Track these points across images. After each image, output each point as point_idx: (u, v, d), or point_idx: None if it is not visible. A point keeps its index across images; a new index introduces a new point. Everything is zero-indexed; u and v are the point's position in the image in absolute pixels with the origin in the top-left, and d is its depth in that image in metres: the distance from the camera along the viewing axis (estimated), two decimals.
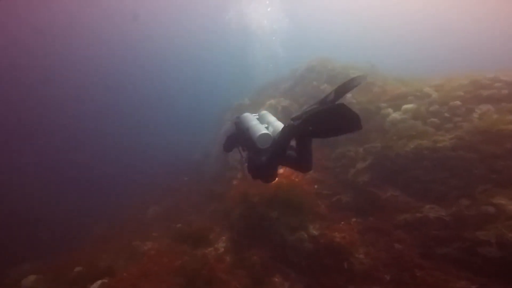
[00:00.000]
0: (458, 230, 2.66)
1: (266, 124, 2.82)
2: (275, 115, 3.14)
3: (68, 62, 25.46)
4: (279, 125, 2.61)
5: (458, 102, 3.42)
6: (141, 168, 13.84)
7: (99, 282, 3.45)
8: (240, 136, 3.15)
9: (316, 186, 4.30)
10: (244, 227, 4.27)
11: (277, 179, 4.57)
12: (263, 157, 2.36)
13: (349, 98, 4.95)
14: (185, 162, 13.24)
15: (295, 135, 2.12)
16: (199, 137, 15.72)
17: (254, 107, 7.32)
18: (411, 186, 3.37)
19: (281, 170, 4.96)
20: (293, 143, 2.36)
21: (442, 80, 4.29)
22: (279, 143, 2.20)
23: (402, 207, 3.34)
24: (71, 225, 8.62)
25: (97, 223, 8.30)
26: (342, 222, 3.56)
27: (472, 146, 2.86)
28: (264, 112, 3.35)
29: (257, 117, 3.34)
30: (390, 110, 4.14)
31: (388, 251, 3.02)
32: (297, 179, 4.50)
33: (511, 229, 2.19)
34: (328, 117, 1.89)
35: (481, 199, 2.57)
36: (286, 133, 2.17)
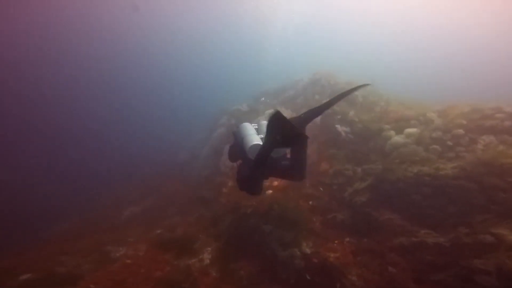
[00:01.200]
0: (454, 257, 2.69)
1: (263, 134, 2.81)
2: None
3: (57, 57, 24.95)
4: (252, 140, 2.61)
5: (461, 131, 3.55)
6: (123, 164, 13.44)
7: None
8: (237, 146, 3.12)
9: (311, 202, 4.28)
10: (232, 238, 4.16)
11: (270, 191, 4.58)
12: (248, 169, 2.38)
13: (351, 116, 5.06)
14: (170, 162, 13.02)
15: (270, 146, 2.13)
16: (187, 137, 15.65)
17: (252, 115, 7.34)
18: (409, 210, 3.41)
19: (275, 183, 4.93)
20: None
21: (444, 105, 4.45)
22: (259, 155, 2.20)
23: (397, 230, 3.36)
24: (34, 217, 8.07)
25: (65, 218, 7.82)
26: (336, 241, 3.54)
27: (473, 177, 2.95)
28: (263, 122, 3.35)
29: (256, 127, 3.34)
30: (392, 132, 4.24)
31: (381, 274, 3.00)
32: (292, 193, 4.47)
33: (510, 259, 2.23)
34: (277, 127, 1.95)
35: (480, 228, 2.63)
36: (264, 145, 2.19)
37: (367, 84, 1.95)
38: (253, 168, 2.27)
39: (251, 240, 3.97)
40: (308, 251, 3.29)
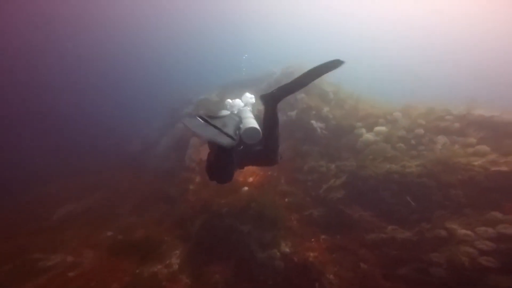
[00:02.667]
0: (416, 251, 3.07)
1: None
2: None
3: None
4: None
5: (421, 130, 4.04)
6: (62, 155, 11.68)
7: None
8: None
9: (287, 199, 4.37)
10: (204, 240, 4.00)
11: (246, 188, 4.51)
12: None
13: (325, 112, 5.26)
14: (120, 152, 11.85)
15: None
16: (141, 125, 14.48)
17: (222, 104, 7.03)
18: (378, 206, 3.76)
19: (251, 179, 4.89)
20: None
21: (406, 106, 4.97)
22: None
23: (367, 227, 3.68)
24: None
25: None
26: (313, 239, 3.71)
27: (432, 175, 3.39)
28: (244, 108, 3.24)
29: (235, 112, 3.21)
30: (363, 130, 4.56)
31: (354, 271, 3.27)
32: (268, 190, 4.49)
33: (461, 253, 2.64)
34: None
35: (437, 223, 3.06)
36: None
37: (340, 62, 1.91)
38: (220, 154, 2.16)
39: (225, 241, 3.88)
40: (287, 251, 3.36)
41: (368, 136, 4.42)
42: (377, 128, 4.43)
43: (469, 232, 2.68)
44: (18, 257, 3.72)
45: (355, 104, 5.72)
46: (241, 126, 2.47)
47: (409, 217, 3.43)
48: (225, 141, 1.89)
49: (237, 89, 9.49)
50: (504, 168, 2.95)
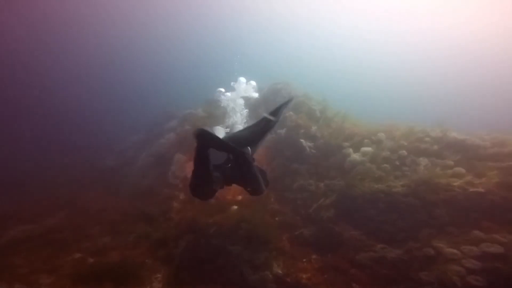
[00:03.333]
0: (405, 270, 3.17)
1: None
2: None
3: None
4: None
5: (404, 152, 4.35)
6: (20, 166, 10.61)
7: None
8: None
9: (277, 218, 4.35)
10: (189, 262, 3.78)
11: (235, 207, 4.42)
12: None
13: (313, 131, 5.47)
14: (93, 168, 11.12)
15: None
16: (114, 140, 13.84)
17: (211, 120, 7.03)
18: (366, 224, 3.88)
19: (240, 197, 4.82)
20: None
21: (387, 126, 5.34)
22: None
23: (357, 245, 3.75)
24: None
25: None
26: (304, 260, 3.68)
27: (417, 194, 3.61)
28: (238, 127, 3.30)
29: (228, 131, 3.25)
30: (350, 150, 4.79)
31: None
32: (258, 209, 4.44)
33: (450, 271, 2.77)
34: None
35: (424, 242, 3.21)
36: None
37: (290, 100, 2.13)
38: (195, 168, 2.16)
39: (212, 263, 3.70)
40: (280, 272, 3.29)
41: (355, 156, 4.64)
42: (364, 149, 4.68)
43: (455, 251, 2.84)
44: None
45: (341, 123, 6.02)
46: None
47: (396, 236, 3.57)
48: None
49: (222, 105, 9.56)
50: (480, 189, 3.24)
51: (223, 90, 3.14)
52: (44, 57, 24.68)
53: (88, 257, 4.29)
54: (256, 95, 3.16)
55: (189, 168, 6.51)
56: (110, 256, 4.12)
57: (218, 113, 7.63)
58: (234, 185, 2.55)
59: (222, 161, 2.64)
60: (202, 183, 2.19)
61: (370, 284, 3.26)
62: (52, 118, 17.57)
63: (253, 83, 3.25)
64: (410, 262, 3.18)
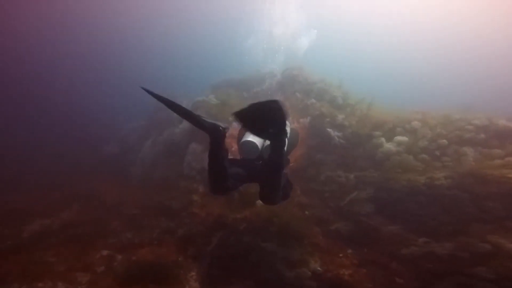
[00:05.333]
0: (454, 265, 3.06)
1: None
2: None
3: None
4: (248, 135, 2.49)
5: (445, 141, 4.12)
6: (23, 156, 10.59)
7: None
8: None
9: (307, 212, 4.24)
10: (220, 259, 3.73)
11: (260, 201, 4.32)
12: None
13: (340, 120, 5.24)
14: (94, 156, 11.00)
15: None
16: (115, 125, 13.63)
17: (225, 109, 6.80)
18: (405, 219, 3.75)
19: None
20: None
21: (420, 113, 5.08)
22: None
23: (395, 239, 3.65)
24: None
25: None
26: (341, 255, 3.59)
27: (464, 187, 3.44)
28: None
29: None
30: (383, 139, 4.58)
31: (390, 286, 3.18)
32: (285, 202, 4.33)
33: None
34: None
35: (477, 237, 3.07)
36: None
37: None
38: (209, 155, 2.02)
39: (244, 260, 3.64)
40: (319, 269, 3.20)
41: (389, 146, 4.43)
42: (398, 138, 4.46)
43: None
44: None
45: (366, 111, 5.77)
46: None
47: (440, 230, 3.44)
48: None
49: (232, 90, 9.30)
50: None
51: None
52: (37, 40, 24.15)
53: (116, 254, 4.27)
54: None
55: (207, 159, 6.34)
56: (139, 254, 4.09)
57: (231, 102, 7.41)
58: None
59: (255, 156, 2.49)
60: (214, 178, 2.10)
61: (415, 279, 3.17)
62: (45, 102, 17.38)
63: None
64: (460, 257, 3.07)
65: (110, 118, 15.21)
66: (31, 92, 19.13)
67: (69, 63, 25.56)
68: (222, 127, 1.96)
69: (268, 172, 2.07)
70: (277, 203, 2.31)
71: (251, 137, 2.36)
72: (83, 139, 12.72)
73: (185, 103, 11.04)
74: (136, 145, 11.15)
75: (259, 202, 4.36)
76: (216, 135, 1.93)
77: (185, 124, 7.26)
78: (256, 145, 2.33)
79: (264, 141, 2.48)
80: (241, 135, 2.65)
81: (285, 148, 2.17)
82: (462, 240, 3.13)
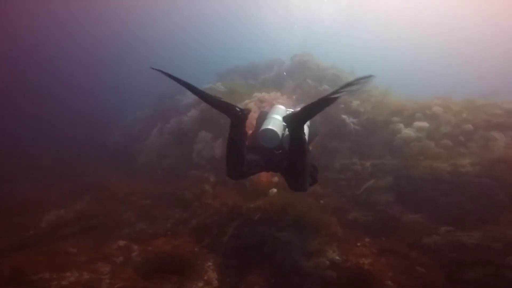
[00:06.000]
0: (482, 255, 2.92)
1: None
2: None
3: None
4: (268, 123, 2.37)
5: (470, 126, 3.90)
6: (26, 151, 10.67)
7: None
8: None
9: (322, 201, 4.14)
10: (235, 250, 3.69)
11: (274, 190, 4.22)
12: None
13: (355, 106, 5.03)
14: (98, 145, 11.02)
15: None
16: (117, 114, 13.55)
17: (235, 97, 6.61)
18: (427, 208, 3.61)
19: (276, 178, 4.59)
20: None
21: (441, 99, 4.83)
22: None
23: (416, 228, 3.53)
24: None
25: None
26: (359, 244, 3.50)
27: (493, 174, 3.26)
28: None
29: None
30: (401, 125, 4.37)
31: (411, 275, 3.10)
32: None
33: None
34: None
35: (506, 226, 2.92)
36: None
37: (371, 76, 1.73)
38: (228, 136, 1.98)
39: (259, 250, 3.59)
40: (337, 258, 3.13)
41: (408, 132, 4.23)
42: (418, 123, 4.26)
43: None
44: (18, 281, 3.22)
45: (382, 97, 5.53)
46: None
47: (465, 219, 3.30)
48: None
49: (239, 78, 9.08)
50: None
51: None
52: (37, 33, 23.96)
53: (133, 245, 4.28)
54: None
55: (218, 147, 6.22)
56: (155, 245, 4.08)
57: (239, 89, 7.20)
58: None
59: (274, 145, 2.39)
60: (231, 162, 2.04)
61: (437, 268, 3.07)
62: (47, 95, 17.40)
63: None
64: (488, 246, 2.93)
65: (113, 109, 15.19)
66: (34, 86, 19.17)
67: (70, 55, 25.42)
68: (242, 110, 1.88)
69: (291, 158, 1.99)
70: (306, 189, 2.25)
71: (271, 125, 2.23)
72: (87, 130, 12.74)
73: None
74: (142, 135, 11.16)
75: (272, 191, 4.28)
76: (236, 117, 1.87)
77: (194, 112, 7.13)
78: (277, 134, 2.20)
79: (284, 129, 2.37)
80: (259, 123, 2.52)
81: (306, 135, 2.08)
82: (491, 229, 2.99)
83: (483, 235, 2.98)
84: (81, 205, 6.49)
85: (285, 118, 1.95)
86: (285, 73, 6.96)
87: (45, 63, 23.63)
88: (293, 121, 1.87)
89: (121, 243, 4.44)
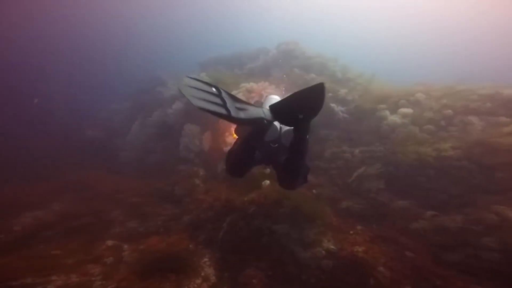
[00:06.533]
0: (463, 237, 3.14)
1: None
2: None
3: None
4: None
5: (450, 111, 4.07)
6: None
7: None
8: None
9: (314, 191, 4.21)
10: (231, 244, 3.70)
11: (267, 182, 4.23)
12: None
13: (343, 94, 5.06)
14: (77, 140, 10.44)
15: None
16: (95, 107, 12.92)
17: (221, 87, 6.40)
18: (412, 192, 3.79)
19: (268, 170, 4.59)
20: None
21: (423, 85, 4.99)
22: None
23: (403, 214, 3.71)
24: None
25: None
26: (351, 232, 3.62)
27: (472, 158, 3.44)
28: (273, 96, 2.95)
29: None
30: (387, 112, 4.48)
31: (401, 260, 3.26)
32: None
33: None
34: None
35: (483, 208, 3.13)
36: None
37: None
38: (245, 139, 1.96)
39: (255, 243, 3.62)
40: (332, 247, 3.22)
41: (394, 118, 4.35)
42: (403, 110, 4.38)
43: None
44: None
45: (367, 85, 5.61)
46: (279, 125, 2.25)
47: (449, 203, 3.50)
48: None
49: (223, 68, 8.83)
50: None
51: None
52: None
53: (123, 244, 4.16)
54: None
55: (206, 140, 6.08)
56: (148, 243, 3.98)
57: (225, 79, 6.99)
58: None
59: (272, 138, 2.38)
60: (239, 163, 2.02)
61: (424, 252, 3.26)
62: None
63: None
64: (467, 229, 3.15)
65: (87, 102, 14.31)
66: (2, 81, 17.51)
67: (35, 47, 23.33)
68: (267, 120, 1.82)
69: (292, 158, 1.97)
70: (296, 188, 2.27)
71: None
72: (60, 125, 11.96)
73: (173, 82, 10.51)
74: (123, 128, 10.68)
75: (265, 183, 4.28)
76: (261, 127, 1.85)
77: (178, 105, 6.87)
78: (277, 129, 2.16)
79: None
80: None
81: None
82: (470, 212, 3.19)
83: (464, 218, 3.18)
84: (62, 206, 6.16)
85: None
86: (280, 61, 6.81)
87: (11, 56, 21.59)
88: (303, 122, 1.82)
89: (110, 243, 4.30)
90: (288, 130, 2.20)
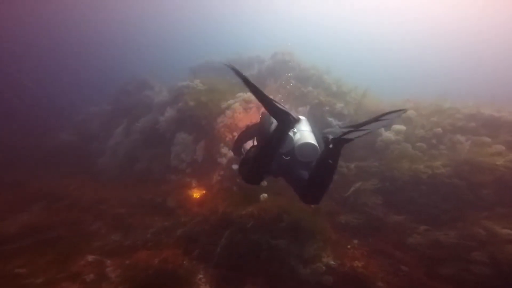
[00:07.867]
0: (454, 251, 3.33)
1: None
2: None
3: None
4: (306, 137, 2.41)
5: (440, 130, 4.36)
6: None
7: None
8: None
9: (312, 205, 4.26)
10: (228, 260, 3.63)
11: (265, 195, 4.23)
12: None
13: (339, 108, 5.25)
14: (48, 144, 9.80)
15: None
16: (66, 112, 12.42)
17: (215, 95, 6.40)
18: (406, 207, 3.96)
19: (265, 183, 4.60)
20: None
21: (413, 102, 5.33)
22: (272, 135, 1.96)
23: (398, 228, 3.86)
24: None
25: None
26: (349, 246, 3.71)
27: (461, 175, 3.70)
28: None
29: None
30: (382, 128, 4.70)
31: (396, 275, 3.39)
32: (290, 195, 4.30)
33: (504, 251, 2.95)
34: None
35: (473, 223, 3.35)
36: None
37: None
38: (259, 149, 2.06)
39: (254, 259, 3.59)
40: (333, 263, 3.27)
41: (388, 135, 4.57)
42: (396, 127, 4.61)
43: (511, 232, 3.00)
44: None
45: (360, 99, 5.86)
46: (295, 138, 2.25)
47: (440, 218, 3.70)
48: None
49: (214, 74, 8.84)
50: None
51: None
52: None
53: (105, 259, 3.93)
54: None
55: (200, 150, 6.00)
56: (134, 258, 3.80)
57: (220, 87, 7.00)
58: None
59: (285, 150, 2.36)
60: (259, 168, 1.99)
61: (418, 266, 3.41)
62: None
63: None
64: (458, 243, 3.34)
65: (62, 103, 13.61)
66: None
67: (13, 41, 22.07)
68: (293, 118, 1.86)
69: (324, 173, 1.99)
70: (318, 202, 2.24)
71: (310, 139, 2.18)
72: (30, 127, 11.18)
73: (161, 88, 10.32)
74: (101, 133, 10.22)
75: (264, 196, 4.29)
76: (287, 125, 1.85)
77: (170, 112, 6.74)
78: (292, 140, 2.16)
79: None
80: (266, 125, 2.46)
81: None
82: (461, 227, 3.40)
83: (456, 233, 3.38)
84: (30, 216, 5.72)
85: (334, 139, 1.95)
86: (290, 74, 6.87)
87: None
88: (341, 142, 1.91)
89: (90, 258, 4.05)
90: (303, 144, 2.21)
